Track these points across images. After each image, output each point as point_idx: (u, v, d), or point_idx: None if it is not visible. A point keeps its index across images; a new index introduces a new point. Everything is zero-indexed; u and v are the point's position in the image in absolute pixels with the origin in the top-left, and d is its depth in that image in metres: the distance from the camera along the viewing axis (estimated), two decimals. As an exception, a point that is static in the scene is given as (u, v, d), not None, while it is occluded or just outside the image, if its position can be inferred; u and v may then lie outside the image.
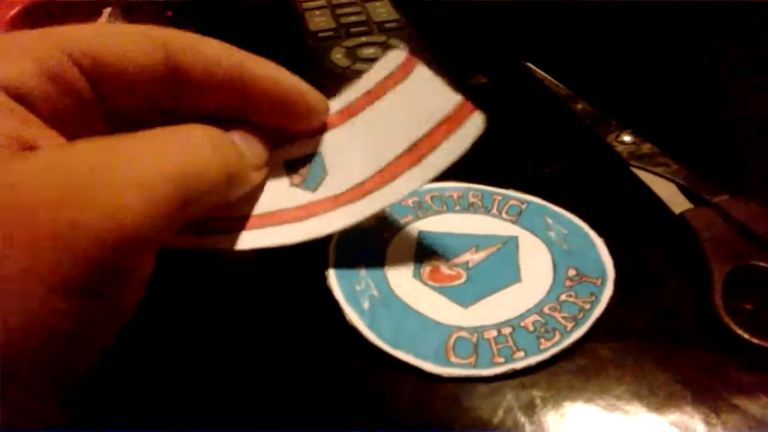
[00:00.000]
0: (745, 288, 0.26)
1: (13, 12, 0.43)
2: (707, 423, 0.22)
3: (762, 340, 0.24)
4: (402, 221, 0.30)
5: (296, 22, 0.47)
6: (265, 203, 0.26)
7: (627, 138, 0.35)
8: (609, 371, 0.24)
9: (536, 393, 0.23)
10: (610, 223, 0.29)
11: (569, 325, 0.25)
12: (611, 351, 0.24)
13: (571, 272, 0.27)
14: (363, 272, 0.27)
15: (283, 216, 0.26)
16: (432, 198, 0.31)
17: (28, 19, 0.43)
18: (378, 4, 0.47)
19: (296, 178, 0.27)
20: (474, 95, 0.27)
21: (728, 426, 0.22)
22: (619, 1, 0.51)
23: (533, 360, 0.24)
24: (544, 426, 0.22)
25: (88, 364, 0.19)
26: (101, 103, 0.22)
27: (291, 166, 0.27)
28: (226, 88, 0.24)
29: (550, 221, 0.30)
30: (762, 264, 0.26)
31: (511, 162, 0.35)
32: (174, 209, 0.18)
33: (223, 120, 0.26)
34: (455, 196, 0.31)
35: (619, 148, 0.35)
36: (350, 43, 0.42)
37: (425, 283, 0.27)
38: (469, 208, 0.31)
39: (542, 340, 0.24)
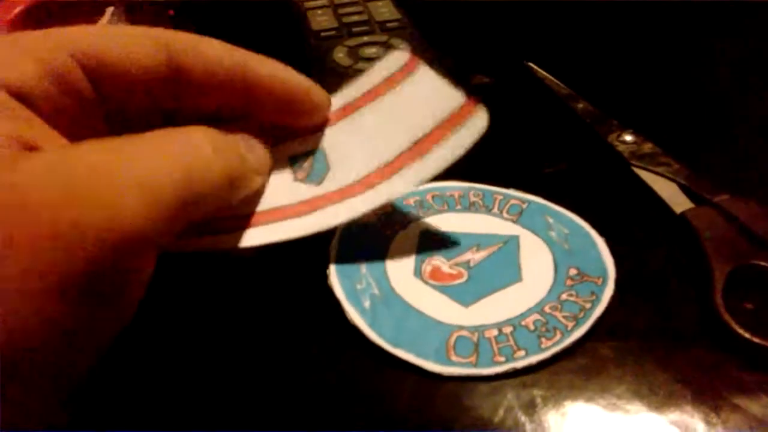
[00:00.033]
0: (745, 287, 0.26)
1: (14, 12, 0.43)
2: (708, 422, 0.22)
3: (762, 340, 0.24)
4: (403, 220, 0.30)
5: (298, 22, 0.47)
6: (268, 200, 0.26)
7: (628, 138, 0.35)
8: (610, 370, 0.24)
9: (537, 392, 0.23)
10: (611, 223, 0.29)
11: (570, 325, 0.25)
12: (612, 350, 0.24)
13: (572, 271, 0.27)
14: (364, 271, 0.27)
15: (287, 211, 0.26)
16: (433, 197, 0.31)
17: (30, 20, 0.43)
18: (380, 3, 0.47)
19: (300, 174, 0.27)
20: (476, 95, 0.27)
21: (729, 425, 0.22)
22: (619, 1, 0.51)
23: (534, 359, 0.24)
24: (544, 425, 0.22)
25: (87, 363, 0.19)
26: (102, 104, 0.22)
27: (294, 162, 0.27)
28: (228, 87, 0.24)
29: (551, 221, 0.30)
30: (763, 263, 0.26)
31: (513, 161, 0.35)
32: (175, 211, 0.18)
33: (225, 119, 0.26)
34: (456, 195, 0.31)
35: (621, 147, 0.35)
36: (352, 42, 0.42)
37: (426, 282, 0.27)
38: (470, 207, 0.31)
39: (543, 340, 0.24)
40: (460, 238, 0.29)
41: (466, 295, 0.26)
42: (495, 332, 0.25)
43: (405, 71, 0.28)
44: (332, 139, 0.28)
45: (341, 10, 0.46)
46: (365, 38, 0.43)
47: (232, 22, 0.51)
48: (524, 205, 0.31)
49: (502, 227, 0.30)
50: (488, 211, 0.30)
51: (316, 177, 0.27)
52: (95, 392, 0.22)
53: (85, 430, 0.21)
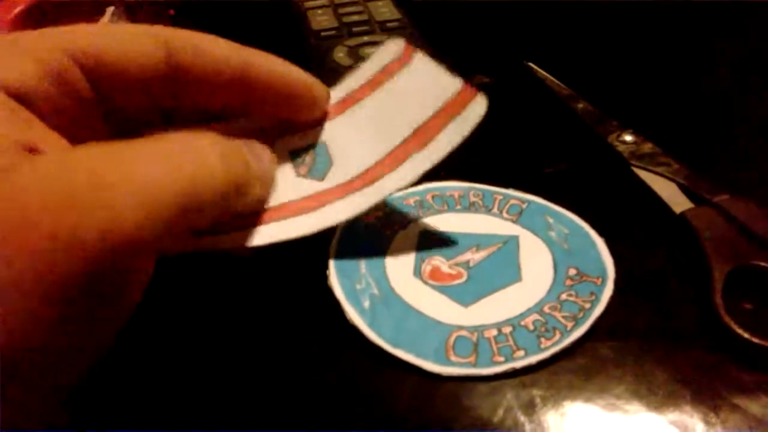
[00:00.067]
0: (745, 287, 0.26)
1: (15, 12, 0.43)
2: (707, 422, 0.22)
3: (762, 340, 0.24)
4: (403, 220, 0.30)
5: (298, 22, 0.47)
6: (272, 196, 0.26)
7: (628, 138, 0.35)
8: (609, 370, 0.24)
9: (536, 392, 0.23)
10: (610, 223, 0.29)
11: (569, 325, 0.25)
12: (611, 350, 0.24)
13: (572, 272, 0.27)
14: (364, 271, 0.27)
15: (291, 208, 0.26)
16: (433, 197, 0.31)
17: (30, 19, 0.43)
18: (380, 3, 0.47)
19: (302, 169, 0.27)
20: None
21: (728, 425, 0.22)
22: (619, 1, 0.51)
23: (533, 359, 0.24)
24: (544, 425, 0.22)
25: (87, 364, 0.19)
26: (101, 103, 0.22)
27: (295, 157, 0.27)
28: (231, 86, 0.24)
29: (550, 221, 0.30)
30: (762, 264, 0.26)
31: (513, 161, 0.35)
32: (176, 217, 0.18)
33: (224, 116, 0.26)
34: (456, 195, 0.31)
35: (621, 147, 0.35)
36: (352, 42, 0.42)
37: (426, 282, 0.27)
38: (470, 207, 0.31)
39: (542, 340, 0.24)
40: (459, 238, 0.29)
41: (465, 295, 0.26)
42: (494, 332, 0.25)
43: (401, 61, 0.28)
44: (332, 133, 0.28)
45: (341, 10, 0.46)
46: (365, 38, 0.43)
47: (232, 22, 0.51)
48: (524, 205, 0.31)
49: (502, 227, 0.30)
50: (488, 211, 0.30)
51: (318, 172, 0.27)
52: (95, 392, 0.22)
53: (85, 430, 0.21)
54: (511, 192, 0.31)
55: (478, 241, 0.29)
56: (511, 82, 0.42)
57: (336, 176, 0.27)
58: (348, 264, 0.27)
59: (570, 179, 0.33)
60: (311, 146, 0.27)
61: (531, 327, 0.25)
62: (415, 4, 0.48)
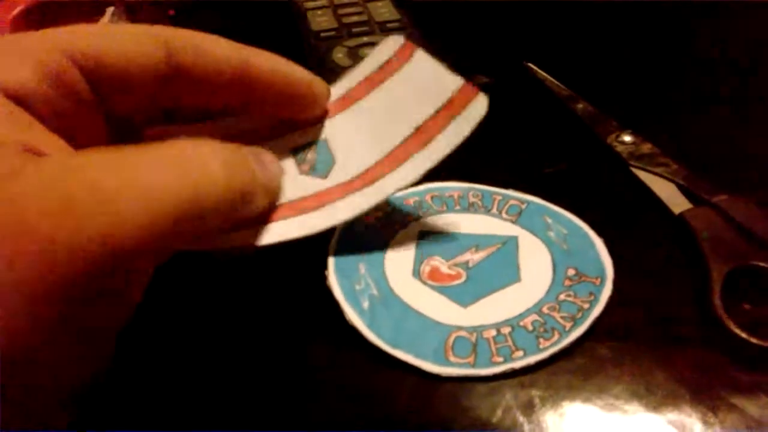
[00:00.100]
0: (744, 288, 0.26)
1: (15, 12, 0.43)
2: (705, 422, 0.22)
3: (760, 340, 0.24)
4: (402, 221, 0.30)
5: (298, 22, 0.47)
6: None
7: (627, 138, 0.35)
8: (608, 371, 0.24)
9: (535, 392, 0.23)
10: (609, 223, 0.29)
11: (568, 325, 0.25)
12: (610, 350, 0.25)
13: (571, 272, 0.27)
14: (363, 271, 0.27)
15: (294, 207, 0.25)
16: (432, 198, 0.31)
17: (30, 20, 0.43)
18: (380, 4, 0.47)
19: (304, 167, 0.27)
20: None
21: (726, 425, 0.22)
22: (619, 1, 0.51)
23: (532, 359, 0.24)
24: (542, 425, 0.22)
25: (87, 365, 0.19)
26: (101, 104, 0.22)
27: (297, 155, 0.27)
28: (232, 85, 0.24)
29: (549, 221, 0.30)
30: (761, 264, 0.26)
31: (512, 162, 0.35)
32: (176, 224, 0.18)
33: (224, 114, 0.26)
34: (455, 195, 0.31)
35: (619, 148, 0.35)
36: (352, 43, 0.42)
37: (425, 283, 0.27)
38: (469, 207, 0.31)
39: (541, 340, 0.24)
40: (458, 239, 0.29)
41: (464, 295, 0.26)
42: (493, 333, 0.25)
43: (401, 58, 0.28)
44: (333, 130, 0.27)
45: (341, 11, 0.46)
46: (365, 39, 0.43)
47: (232, 22, 0.51)
48: (523, 206, 0.31)
49: (501, 228, 0.30)
50: (487, 211, 0.31)
51: (321, 169, 0.27)
52: (95, 392, 0.22)
53: (86, 430, 0.21)
54: (510, 192, 0.32)
55: (477, 241, 0.29)
56: (511, 82, 0.42)
57: (339, 174, 0.27)
58: (347, 264, 0.27)
59: (569, 180, 0.33)
60: (312, 143, 0.27)
61: (530, 327, 0.25)
62: (415, 4, 0.48)
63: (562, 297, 0.26)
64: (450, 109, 0.27)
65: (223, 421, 0.23)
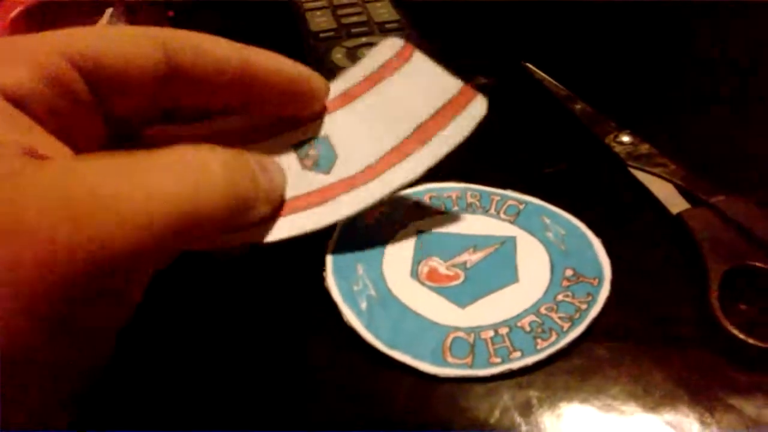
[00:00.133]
0: (741, 288, 0.26)
1: (14, 12, 0.43)
2: (703, 423, 0.22)
3: (758, 341, 0.24)
4: (400, 221, 0.30)
5: (297, 23, 0.47)
6: None
7: (625, 138, 0.35)
8: (605, 371, 0.24)
9: (533, 393, 0.23)
10: (607, 224, 0.29)
11: (566, 326, 0.25)
12: (608, 351, 0.25)
13: (569, 272, 0.27)
14: (361, 272, 0.27)
15: (298, 203, 0.25)
16: (430, 198, 0.31)
17: (30, 20, 0.43)
18: (379, 4, 0.47)
19: (307, 162, 0.27)
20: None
21: (724, 426, 0.22)
22: (618, 1, 0.51)
23: (530, 360, 0.24)
24: (540, 426, 0.22)
25: (88, 365, 0.19)
26: (100, 105, 0.22)
27: (299, 150, 0.27)
28: (232, 85, 0.24)
29: (548, 221, 0.30)
30: (758, 264, 0.26)
31: (510, 162, 0.35)
32: (175, 229, 0.18)
33: (224, 113, 0.26)
34: (454, 196, 0.31)
35: (618, 148, 0.35)
36: (351, 43, 0.42)
37: (423, 284, 0.27)
38: (467, 208, 0.31)
39: (539, 341, 0.24)
40: (456, 239, 0.29)
41: (462, 296, 0.26)
42: (491, 333, 0.25)
43: (401, 58, 0.28)
44: (334, 126, 0.28)
45: (340, 11, 0.46)
46: (364, 39, 0.43)
47: (232, 22, 0.51)
48: (521, 206, 0.31)
49: (499, 228, 0.30)
50: (485, 212, 0.31)
51: (324, 165, 0.27)
52: (95, 392, 0.22)
53: (86, 430, 0.21)
54: (508, 193, 0.32)
55: (476, 242, 0.29)
56: (509, 82, 0.42)
57: (341, 170, 0.27)
58: (345, 265, 0.28)
59: (567, 180, 0.33)
60: (314, 140, 0.27)
61: (527, 328, 0.25)
62: (414, 4, 0.48)
63: (559, 297, 0.26)
64: (450, 109, 0.27)
65: (221, 421, 0.23)
